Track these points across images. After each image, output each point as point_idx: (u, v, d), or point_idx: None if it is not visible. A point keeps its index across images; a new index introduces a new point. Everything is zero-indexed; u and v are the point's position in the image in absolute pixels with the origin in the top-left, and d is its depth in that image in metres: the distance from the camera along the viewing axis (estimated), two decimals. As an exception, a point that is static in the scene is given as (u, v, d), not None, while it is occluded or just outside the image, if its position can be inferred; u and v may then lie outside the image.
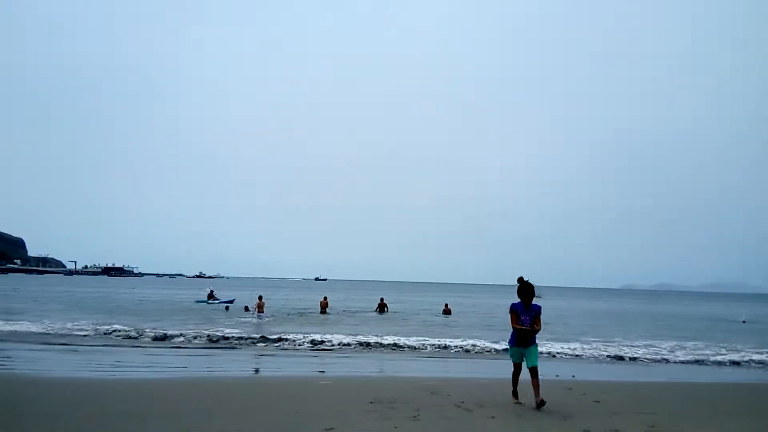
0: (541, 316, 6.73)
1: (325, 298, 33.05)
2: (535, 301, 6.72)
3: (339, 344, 15.24)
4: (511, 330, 6.84)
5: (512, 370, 7.08)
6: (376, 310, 33.30)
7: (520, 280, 6.75)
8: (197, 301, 36.16)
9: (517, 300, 6.77)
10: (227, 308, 30.60)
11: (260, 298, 26.83)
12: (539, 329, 6.71)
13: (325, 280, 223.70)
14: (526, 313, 6.69)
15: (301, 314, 29.30)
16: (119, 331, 17.06)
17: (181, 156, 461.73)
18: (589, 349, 15.40)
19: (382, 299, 35.15)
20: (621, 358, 14.48)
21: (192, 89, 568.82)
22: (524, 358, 6.76)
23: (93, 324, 18.84)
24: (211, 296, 37.86)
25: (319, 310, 31.67)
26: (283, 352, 14.12)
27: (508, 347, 7.12)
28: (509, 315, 6.77)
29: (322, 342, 15.62)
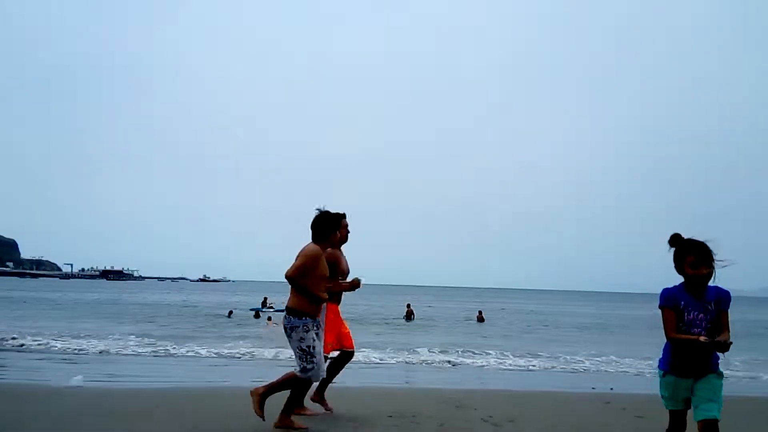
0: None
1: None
2: (714, 280, 3.30)
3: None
4: (665, 343, 3.46)
5: (667, 423, 3.56)
6: (404, 317, 32.54)
7: (676, 238, 3.36)
8: (251, 309, 35.42)
9: (675, 281, 3.37)
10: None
11: (269, 318, 27.42)
12: (728, 341, 3.24)
13: None
14: (697, 306, 3.31)
15: None
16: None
17: (183, 154, 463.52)
18: (632, 360, 14.84)
19: (408, 305, 34.32)
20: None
21: (194, 85, 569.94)
22: (692, 401, 3.46)
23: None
24: (264, 303, 38.06)
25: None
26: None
27: (659, 374, 3.56)
28: (661, 313, 3.37)
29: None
